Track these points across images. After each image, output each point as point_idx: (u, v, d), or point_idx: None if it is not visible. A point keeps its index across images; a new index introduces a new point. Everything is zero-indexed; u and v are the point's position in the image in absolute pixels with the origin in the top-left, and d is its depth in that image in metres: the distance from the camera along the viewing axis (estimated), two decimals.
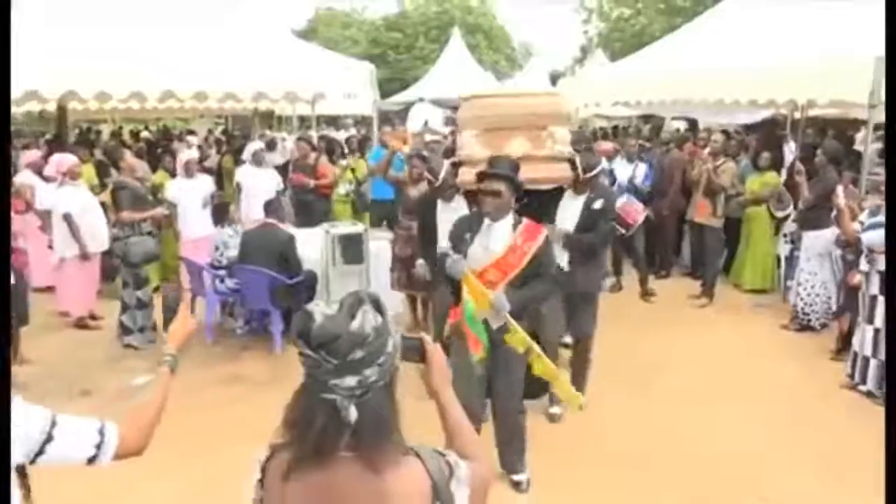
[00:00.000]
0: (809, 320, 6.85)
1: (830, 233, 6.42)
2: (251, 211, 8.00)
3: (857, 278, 5.56)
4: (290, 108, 14.56)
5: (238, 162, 9.73)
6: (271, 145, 10.72)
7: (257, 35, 8.44)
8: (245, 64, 7.75)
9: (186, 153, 8.33)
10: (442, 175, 5.07)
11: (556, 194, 4.69)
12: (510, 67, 38.75)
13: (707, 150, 8.53)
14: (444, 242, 4.66)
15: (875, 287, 5.24)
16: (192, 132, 17.63)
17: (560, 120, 4.58)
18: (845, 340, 5.97)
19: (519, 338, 3.64)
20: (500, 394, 3.95)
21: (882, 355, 5.25)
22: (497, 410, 4.03)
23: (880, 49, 6.63)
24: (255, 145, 9.10)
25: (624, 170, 8.40)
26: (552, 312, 4.57)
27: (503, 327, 3.69)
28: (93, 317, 7.13)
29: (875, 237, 5.11)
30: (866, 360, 5.37)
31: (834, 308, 6.68)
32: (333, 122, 23.67)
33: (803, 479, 4.30)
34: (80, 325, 7.04)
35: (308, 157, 8.96)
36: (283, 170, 10.18)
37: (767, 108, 10.90)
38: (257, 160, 8.69)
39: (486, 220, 3.77)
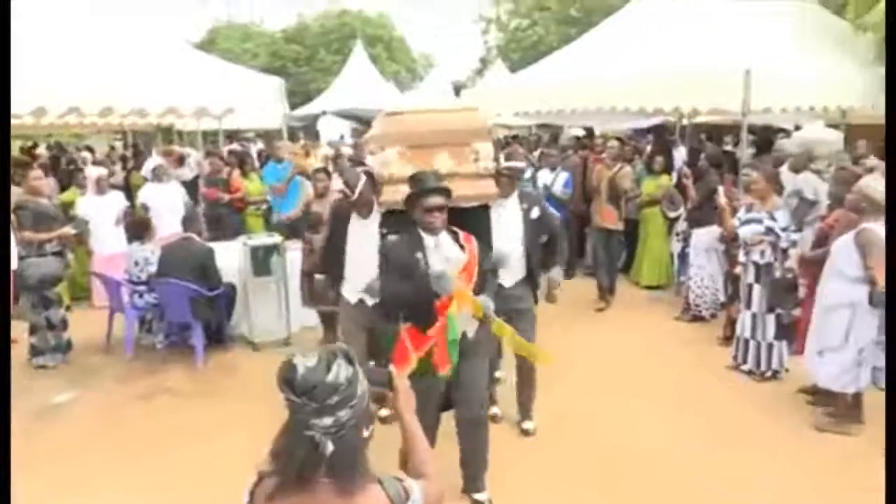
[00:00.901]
0: (700, 311, 7.47)
1: (715, 229, 7.01)
2: (159, 227, 7.99)
3: (737, 269, 6.16)
4: (192, 122, 14.43)
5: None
6: (180, 161, 10.66)
7: (166, 50, 8.46)
8: (154, 79, 7.76)
9: (94, 170, 8.27)
10: (359, 189, 4.60)
11: (479, 211, 4.52)
12: (411, 78, 39.16)
13: (603, 155, 9.04)
14: (353, 257, 4.69)
15: (751, 276, 5.83)
16: (89, 148, 17.10)
17: (483, 136, 4.47)
18: (734, 327, 6.52)
19: (502, 327, 3.86)
20: (465, 404, 3.98)
21: (759, 337, 5.86)
22: (462, 422, 4.05)
23: (748, 63, 7.40)
24: (153, 161, 9.11)
25: (546, 178, 8.81)
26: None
27: (479, 331, 3.87)
28: None
29: (747, 231, 5.71)
30: (746, 342, 5.96)
31: (721, 298, 7.31)
32: (234, 135, 23.41)
33: (694, 448, 4.77)
34: None
35: (220, 172, 9.02)
36: (191, 185, 10.16)
37: (656, 116, 11.63)
38: (158, 176, 8.70)
39: (428, 237, 3.74)
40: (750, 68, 7.32)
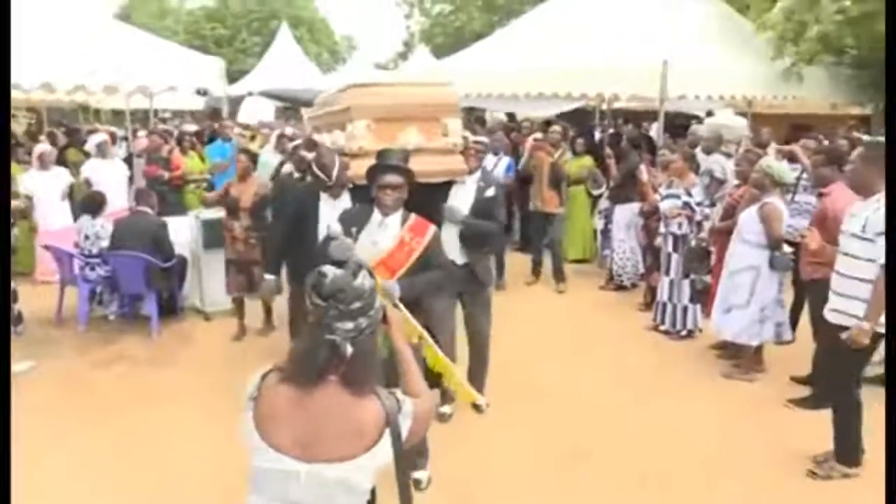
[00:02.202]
0: (622, 280, 8.15)
1: (635, 206, 7.70)
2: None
3: (658, 240, 6.81)
4: (108, 101, 14.32)
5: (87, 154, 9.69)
6: (113, 139, 10.68)
7: (107, 27, 8.51)
8: (95, 57, 7.83)
9: (39, 146, 8.28)
10: (336, 172, 4.52)
11: (444, 188, 4.55)
12: (333, 60, 39.12)
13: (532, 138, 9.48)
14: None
15: (670, 246, 6.51)
16: None
17: (453, 111, 4.47)
18: (653, 294, 7.15)
19: (410, 327, 3.37)
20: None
21: (675, 300, 6.53)
22: None
23: (666, 54, 8.10)
24: (98, 137, 9.18)
25: (490, 162, 9.01)
26: (445, 311, 4.60)
27: None
28: None
29: (667, 205, 6.39)
30: (664, 305, 6.64)
31: (641, 269, 8.00)
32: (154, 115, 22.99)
33: (620, 399, 5.38)
34: None
35: (161, 150, 9.14)
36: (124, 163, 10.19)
37: (580, 101, 12.33)
38: (102, 152, 8.80)
39: (377, 216, 3.64)
40: (667, 59, 8.02)
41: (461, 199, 4.72)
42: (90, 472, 4.31)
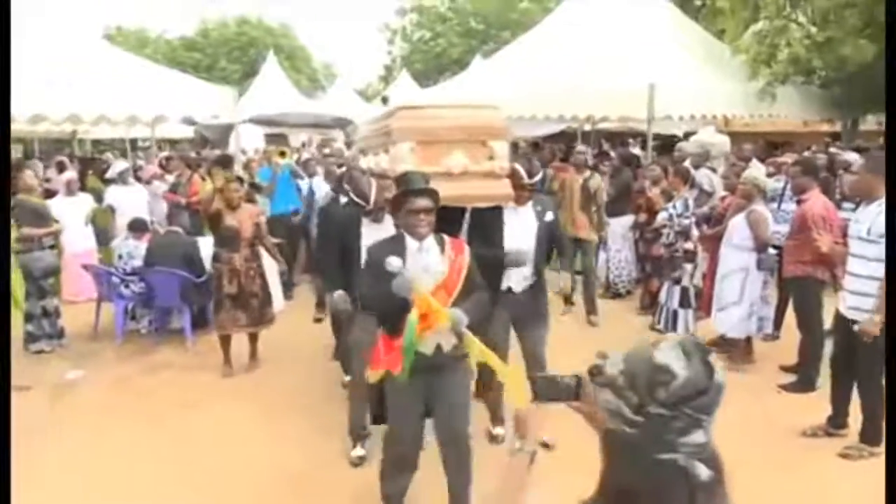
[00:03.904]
0: (618, 288, 8.74)
1: (629, 219, 8.31)
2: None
3: (659, 250, 7.39)
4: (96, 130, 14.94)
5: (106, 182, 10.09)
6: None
7: (123, 61, 9.01)
8: (119, 90, 8.34)
9: (67, 174, 8.74)
10: (373, 196, 4.43)
11: (491, 211, 4.47)
12: (313, 87, 39.68)
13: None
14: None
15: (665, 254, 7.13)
16: None
17: (500, 134, 4.34)
18: (652, 299, 7.68)
19: (477, 348, 3.35)
20: (445, 418, 3.67)
21: (668, 304, 7.10)
22: (443, 436, 3.70)
23: (652, 77, 8.78)
24: (120, 165, 9.66)
25: None
26: (497, 323, 4.54)
27: (456, 347, 3.51)
28: None
29: (658, 217, 7.04)
30: (661, 308, 7.20)
31: (634, 276, 8.59)
32: (133, 143, 23.38)
33: None
34: None
35: (181, 176, 9.61)
36: None
37: (569, 123, 13.08)
38: (123, 179, 9.28)
39: (413, 241, 3.49)
40: (653, 82, 8.70)
41: (522, 228, 4.62)
42: (142, 467, 4.69)
